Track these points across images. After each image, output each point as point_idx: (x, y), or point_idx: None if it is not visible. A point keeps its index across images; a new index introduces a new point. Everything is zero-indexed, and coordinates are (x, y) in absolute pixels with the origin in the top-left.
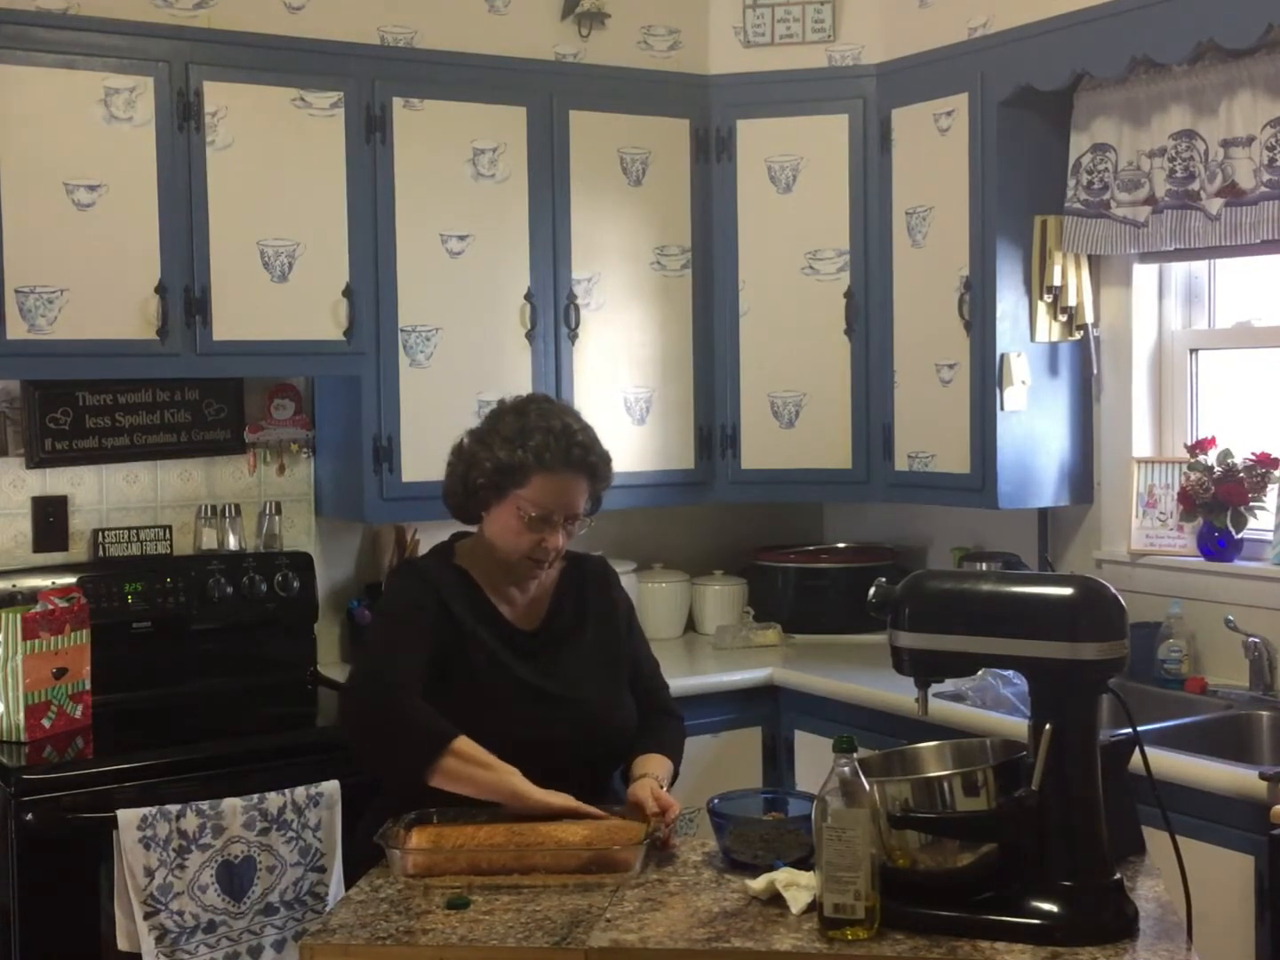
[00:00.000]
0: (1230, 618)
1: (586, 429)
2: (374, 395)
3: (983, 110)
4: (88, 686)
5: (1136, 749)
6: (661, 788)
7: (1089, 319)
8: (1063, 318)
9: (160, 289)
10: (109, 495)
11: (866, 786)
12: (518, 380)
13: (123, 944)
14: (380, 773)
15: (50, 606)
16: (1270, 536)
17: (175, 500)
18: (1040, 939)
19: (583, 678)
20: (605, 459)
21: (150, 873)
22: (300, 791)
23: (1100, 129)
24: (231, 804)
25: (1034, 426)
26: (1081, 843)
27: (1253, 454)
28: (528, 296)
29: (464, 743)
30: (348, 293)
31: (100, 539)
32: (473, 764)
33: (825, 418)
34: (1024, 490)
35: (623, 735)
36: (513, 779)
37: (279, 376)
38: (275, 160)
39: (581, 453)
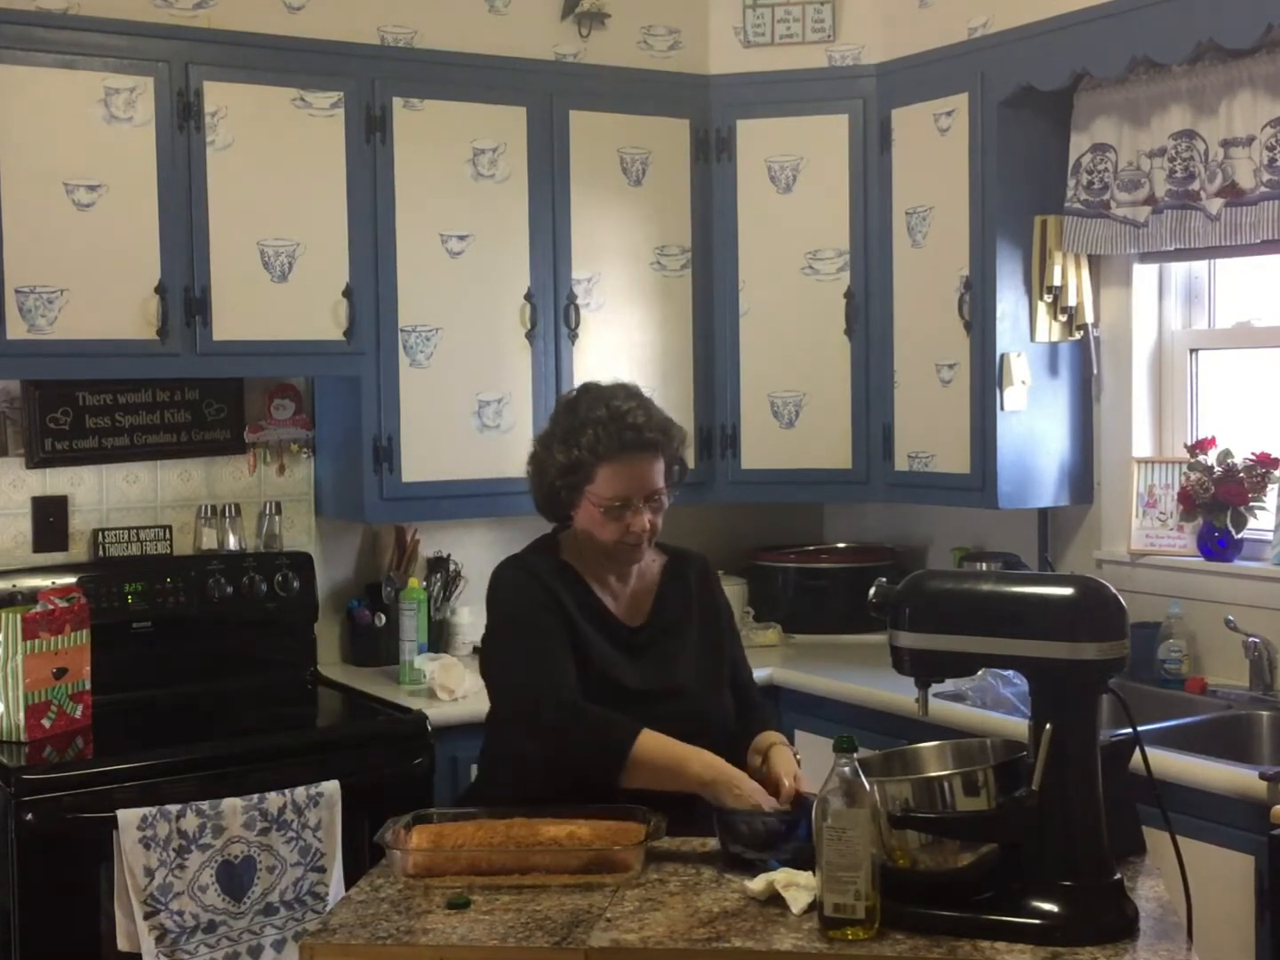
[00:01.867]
0: (1230, 618)
1: (640, 406)
2: (374, 395)
3: (983, 110)
4: (88, 686)
5: (1136, 749)
6: (796, 756)
7: (1089, 319)
8: (1063, 318)
9: (160, 289)
10: (109, 495)
11: (866, 786)
12: (518, 380)
13: (123, 944)
14: (574, 780)
15: (50, 606)
16: (1270, 536)
17: (175, 500)
18: (1040, 939)
19: (687, 674)
20: (664, 430)
21: (150, 873)
22: (300, 791)
23: (1100, 129)
24: (231, 804)
25: (1034, 426)
26: (1081, 843)
27: (1253, 454)
28: (528, 296)
29: (648, 738)
30: (348, 293)
31: (100, 539)
32: (657, 758)
33: (825, 418)
34: (1024, 490)
35: (723, 731)
36: (690, 766)
37: (279, 376)
38: (275, 160)
39: (634, 434)
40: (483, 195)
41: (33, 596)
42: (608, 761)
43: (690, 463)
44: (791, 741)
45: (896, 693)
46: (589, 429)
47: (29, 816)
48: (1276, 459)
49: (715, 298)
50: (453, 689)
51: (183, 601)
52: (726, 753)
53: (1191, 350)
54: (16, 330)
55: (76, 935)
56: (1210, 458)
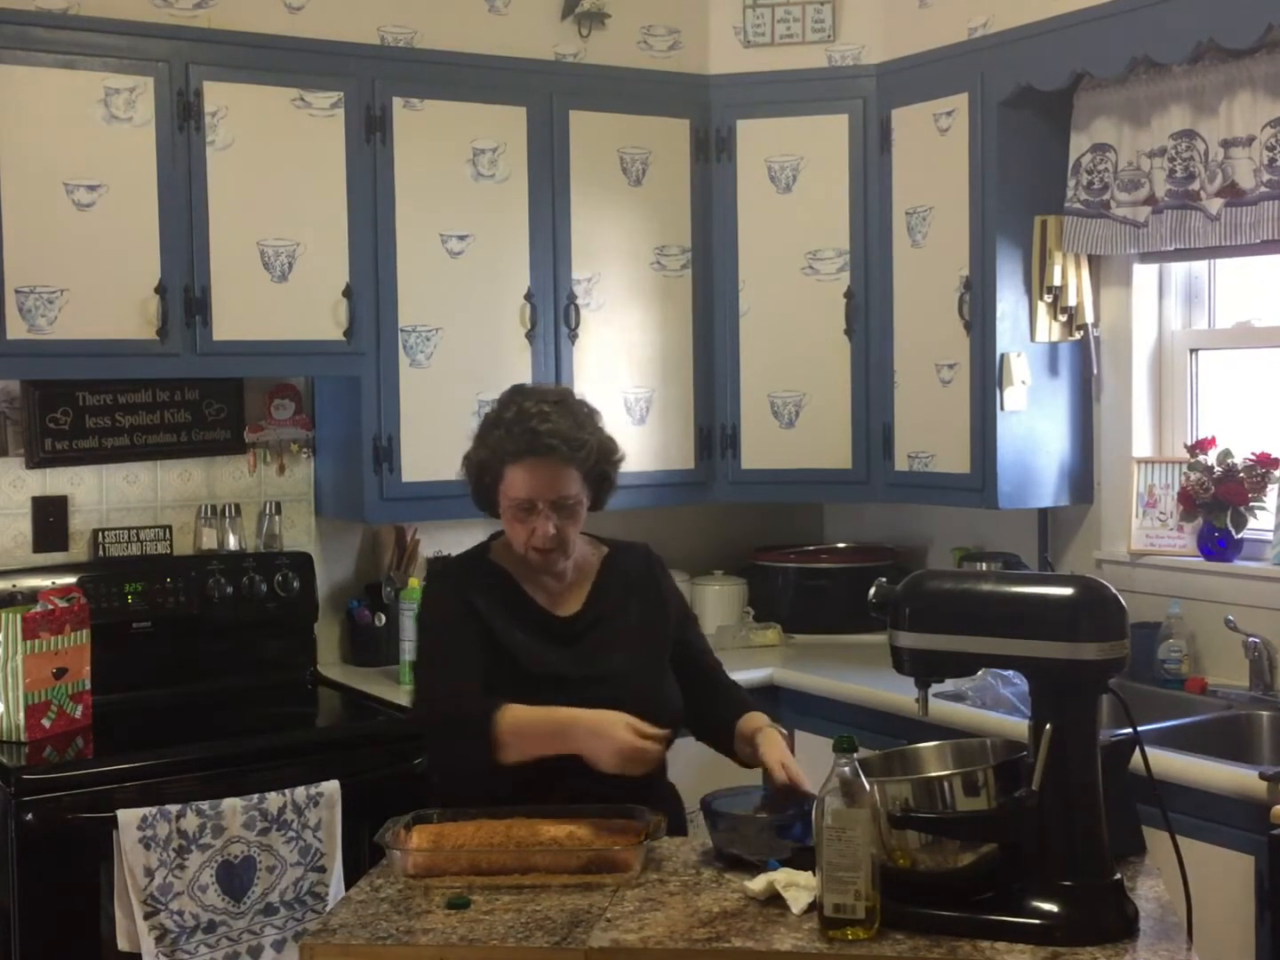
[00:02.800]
0: (1230, 618)
1: (555, 412)
2: (374, 395)
3: (983, 110)
4: (88, 686)
5: (1136, 749)
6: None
7: (1089, 319)
8: (1063, 318)
9: (160, 289)
10: (109, 495)
11: (866, 786)
12: (517, 380)
13: (123, 944)
14: (468, 778)
15: (50, 606)
16: (1270, 536)
17: (175, 500)
18: (1040, 939)
19: (622, 660)
20: (568, 439)
21: (150, 873)
22: (300, 791)
23: (1100, 129)
24: (231, 804)
25: (1034, 426)
26: (1081, 843)
27: (1253, 454)
28: (528, 296)
29: (509, 710)
30: (348, 293)
31: (100, 539)
32: (520, 725)
33: (825, 418)
34: (1024, 490)
35: (663, 717)
36: (553, 719)
37: (279, 376)
38: (275, 160)
39: (534, 438)
40: (483, 195)
41: (33, 596)
42: (479, 745)
43: (690, 463)
44: (790, 741)
45: (896, 693)
46: (499, 429)
47: (29, 816)
48: (1276, 459)
49: (715, 298)
50: None
51: (183, 601)
52: (672, 738)
53: (1191, 350)
54: (16, 330)
55: (76, 935)
56: (1210, 458)
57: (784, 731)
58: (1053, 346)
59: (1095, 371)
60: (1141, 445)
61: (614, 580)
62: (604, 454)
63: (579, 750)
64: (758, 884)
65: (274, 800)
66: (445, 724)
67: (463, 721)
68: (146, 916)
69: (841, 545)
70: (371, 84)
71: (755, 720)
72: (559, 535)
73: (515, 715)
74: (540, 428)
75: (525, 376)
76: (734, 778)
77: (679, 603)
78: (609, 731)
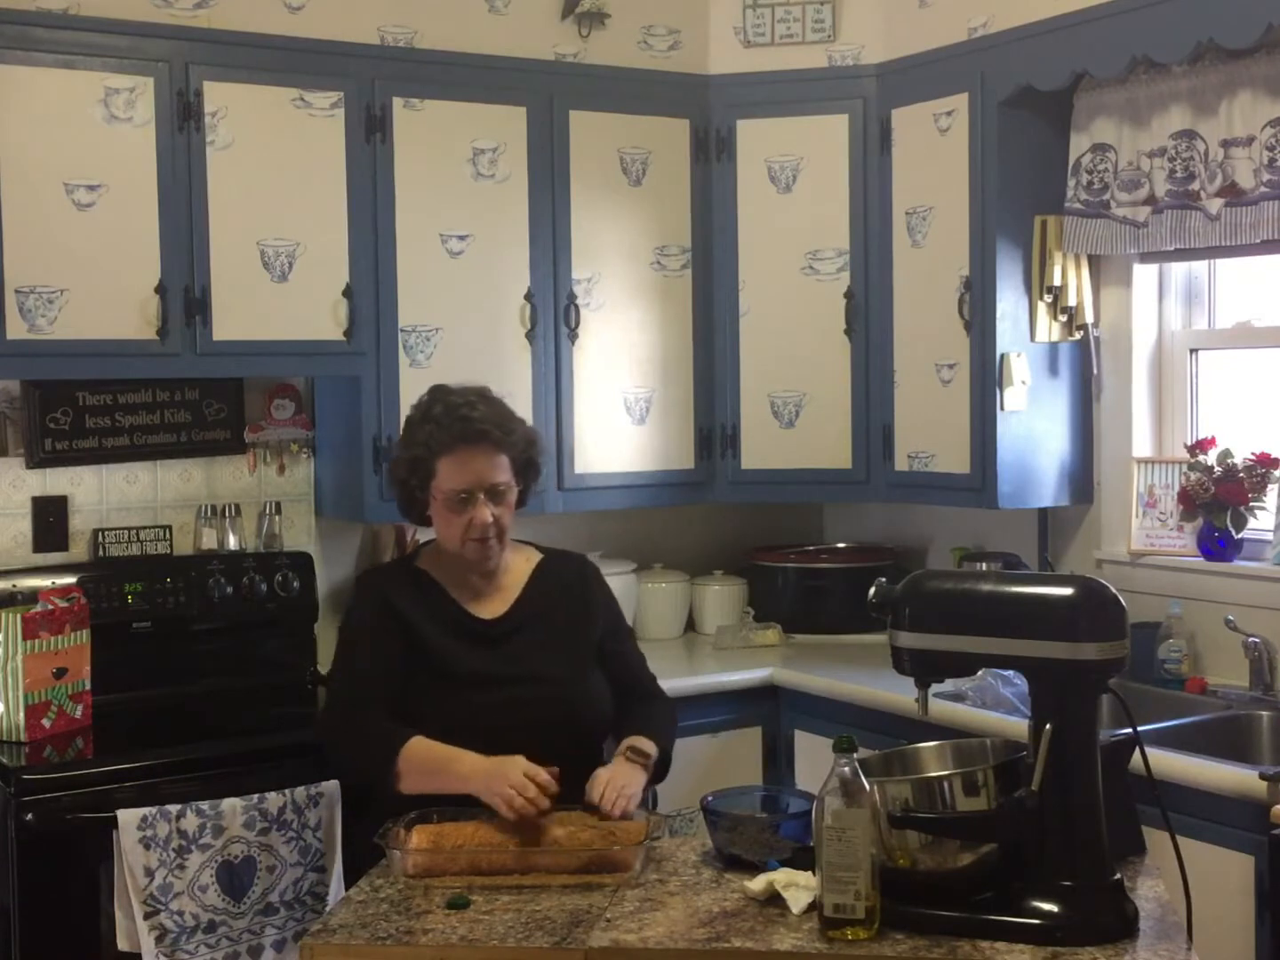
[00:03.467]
0: (1230, 618)
1: (481, 402)
2: (374, 395)
3: (983, 110)
4: (88, 686)
5: (1136, 749)
6: (640, 757)
7: (1089, 319)
8: (1063, 318)
9: (160, 289)
10: (109, 495)
11: (866, 786)
12: (518, 380)
13: (123, 944)
14: (357, 783)
15: (50, 606)
16: (1270, 536)
17: (175, 500)
18: (1040, 939)
19: (542, 661)
20: (500, 424)
21: (150, 873)
22: (300, 791)
23: (1100, 129)
24: (231, 804)
25: (1034, 426)
26: (1081, 843)
27: (1253, 454)
28: (528, 296)
29: (415, 745)
30: (348, 293)
31: (100, 539)
32: (423, 765)
33: (825, 418)
34: (1024, 490)
35: (588, 716)
36: (454, 765)
37: (279, 376)
38: (275, 160)
39: (465, 425)
40: (483, 195)
41: (33, 596)
42: (381, 770)
43: (690, 463)
44: (790, 741)
45: (896, 693)
46: (428, 424)
47: (29, 816)
48: (1276, 459)
49: (715, 298)
50: None
51: (183, 601)
52: (600, 741)
53: (1191, 350)
54: (16, 330)
55: (76, 935)
56: (1210, 458)
57: (644, 763)
58: (1053, 346)
59: (1095, 371)
60: (1141, 445)
61: (543, 586)
62: (530, 442)
63: (472, 792)
64: (758, 884)
65: (274, 800)
66: (349, 741)
67: (372, 741)
68: (146, 916)
69: (841, 545)
70: (371, 84)
71: (623, 746)
72: (497, 524)
73: (419, 750)
74: (472, 414)
75: (525, 376)
76: (734, 780)
77: (610, 614)
78: (497, 786)
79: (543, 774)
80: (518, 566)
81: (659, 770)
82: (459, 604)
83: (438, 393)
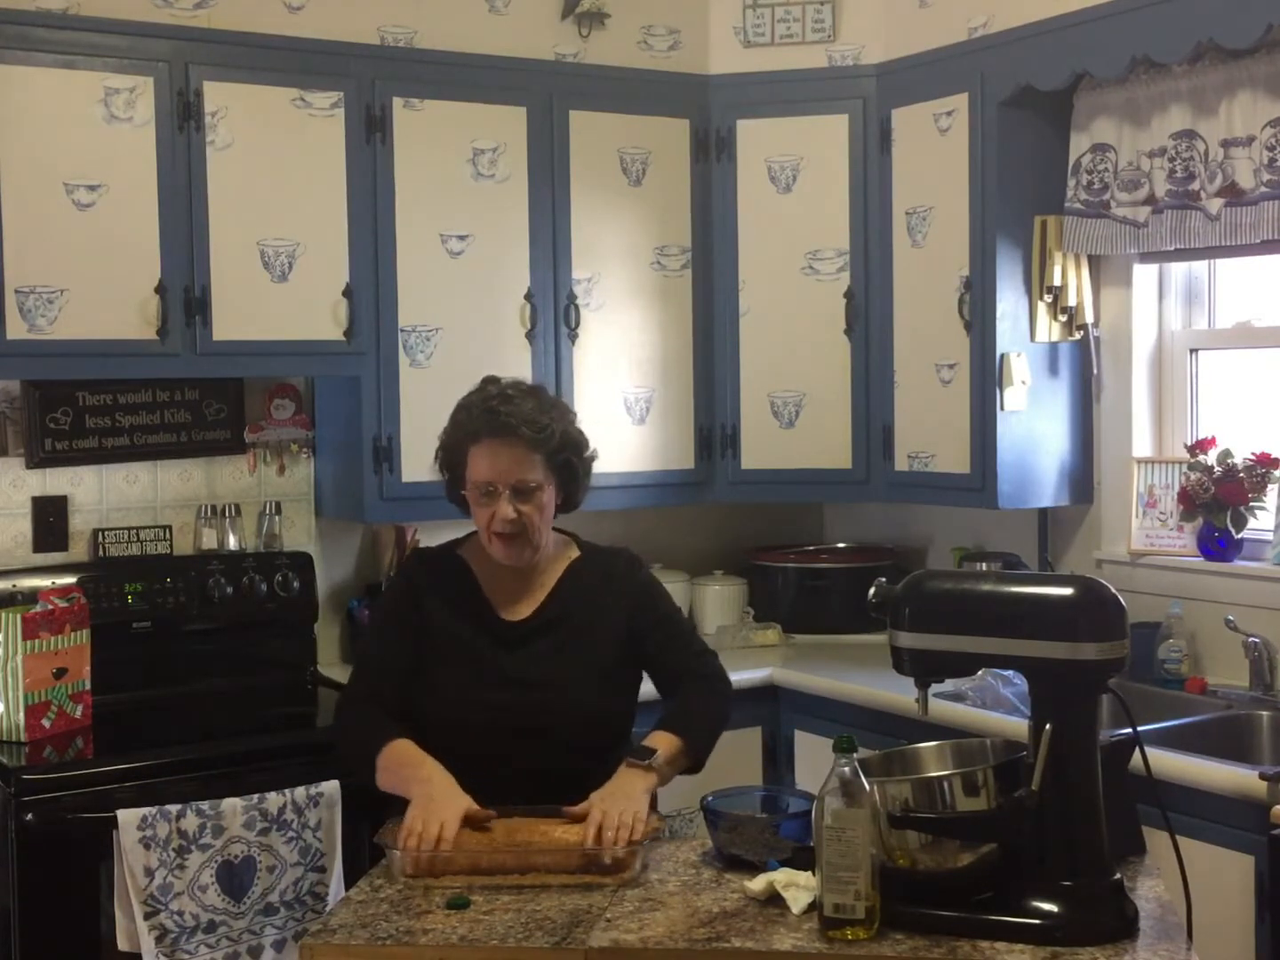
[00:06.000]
0: (1230, 618)
1: (518, 396)
2: (374, 395)
3: (983, 110)
4: (88, 686)
5: (1136, 749)
6: (650, 764)
7: (1089, 319)
8: (1063, 318)
9: (160, 289)
10: (109, 495)
11: (866, 786)
12: None
13: (123, 944)
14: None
15: (50, 606)
16: (1270, 536)
17: (175, 500)
18: (1040, 939)
19: (561, 667)
20: (530, 421)
21: (150, 873)
22: (300, 791)
23: (1100, 129)
24: (231, 804)
25: (1034, 426)
26: (1081, 843)
27: (1253, 454)
28: (528, 296)
29: (396, 747)
30: (348, 293)
31: (100, 539)
32: (395, 768)
33: (825, 418)
34: (1024, 490)
35: (596, 727)
36: (413, 772)
37: (279, 376)
38: (275, 160)
39: (492, 417)
40: (483, 195)
41: (33, 596)
42: (363, 765)
43: (690, 463)
44: (790, 741)
45: (896, 693)
46: (463, 412)
47: (29, 816)
48: (1276, 459)
49: (715, 298)
50: None
51: (183, 601)
52: (604, 750)
53: (1191, 350)
54: (16, 330)
55: (76, 935)
56: (1210, 458)
57: (645, 765)
58: (1053, 346)
59: (1095, 371)
60: (1141, 445)
61: (575, 587)
62: (569, 443)
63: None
64: (758, 884)
65: (274, 800)
66: (345, 732)
67: (363, 733)
68: (146, 916)
69: (841, 545)
70: (371, 84)
71: (654, 740)
72: (519, 521)
73: (395, 753)
74: (501, 408)
75: (525, 376)
76: (734, 780)
77: (644, 605)
78: (415, 812)
79: (460, 828)
80: (554, 568)
81: (693, 758)
82: (489, 601)
83: (486, 383)
